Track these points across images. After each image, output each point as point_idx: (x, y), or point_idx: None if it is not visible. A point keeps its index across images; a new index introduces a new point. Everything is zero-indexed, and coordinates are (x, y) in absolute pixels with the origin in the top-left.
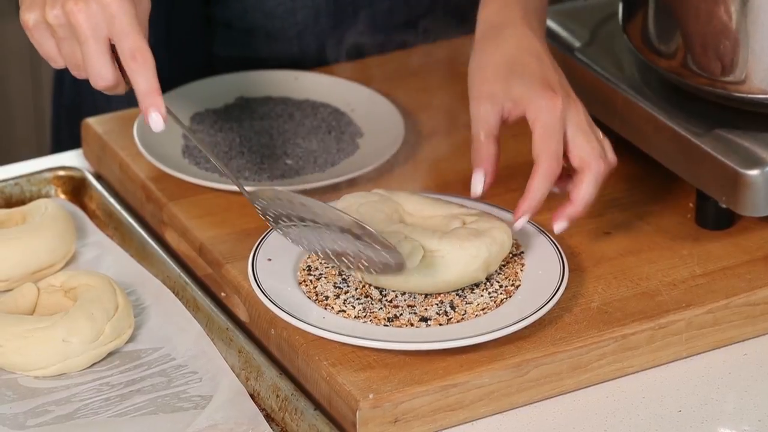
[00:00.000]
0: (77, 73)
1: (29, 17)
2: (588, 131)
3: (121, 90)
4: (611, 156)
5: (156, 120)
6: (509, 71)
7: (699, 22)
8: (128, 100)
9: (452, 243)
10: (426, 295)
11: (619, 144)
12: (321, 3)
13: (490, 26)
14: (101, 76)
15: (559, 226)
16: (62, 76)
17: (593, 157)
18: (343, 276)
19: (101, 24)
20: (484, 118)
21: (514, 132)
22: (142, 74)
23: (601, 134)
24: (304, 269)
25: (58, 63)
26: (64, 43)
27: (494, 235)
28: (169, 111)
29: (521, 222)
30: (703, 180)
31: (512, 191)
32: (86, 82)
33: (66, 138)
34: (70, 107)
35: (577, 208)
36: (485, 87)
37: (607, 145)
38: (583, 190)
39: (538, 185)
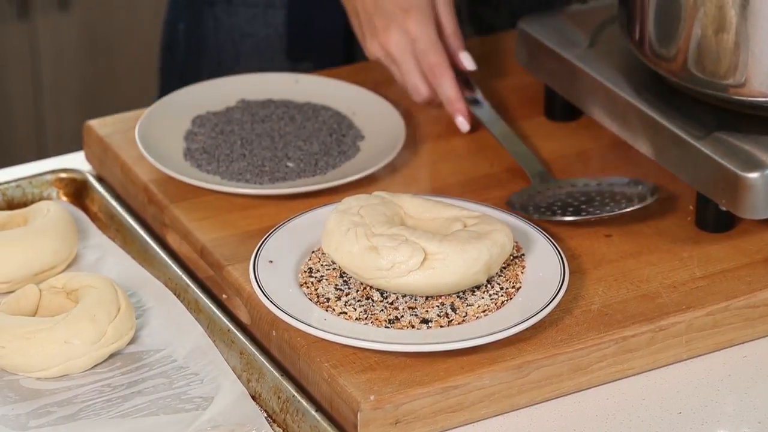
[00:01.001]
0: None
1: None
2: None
3: (437, 102)
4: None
5: (462, 122)
6: None
7: (699, 25)
8: (257, 45)
9: (453, 246)
10: (427, 297)
11: (619, 146)
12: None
13: None
14: (417, 92)
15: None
16: (171, 41)
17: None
18: (344, 278)
19: (407, 47)
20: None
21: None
22: (442, 85)
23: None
24: (305, 271)
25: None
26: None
27: (495, 237)
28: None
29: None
30: (703, 183)
31: (511, 193)
32: (208, 38)
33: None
34: (184, 71)
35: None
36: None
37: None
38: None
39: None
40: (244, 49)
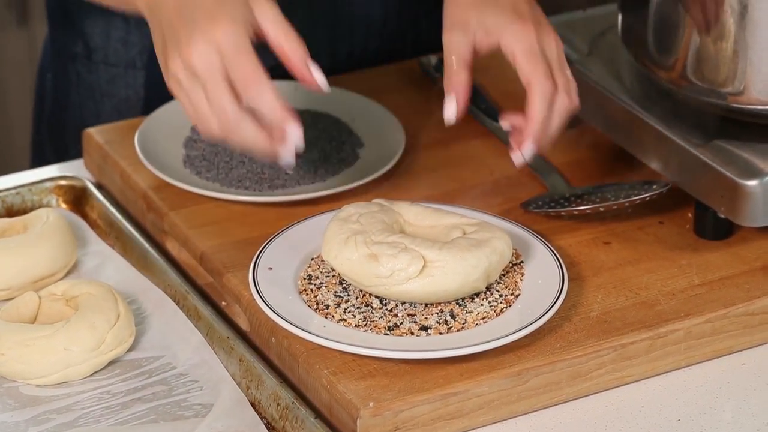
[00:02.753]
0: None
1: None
2: (559, 59)
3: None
4: (575, 96)
5: (288, 155)
6: (482, 1)
7: (698, 34)
8: (117, 105)
9: (452, 253)
10: (426, 305)
11: (618, 154)
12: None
13: None
14: (221, 117)
15: (527, 148)
16: (43, 90)
17: (565, 90)
18: (344, 285)
19: (212, 59)
20: (456, 47)
21: None
22: (259, 98)
23: (569, 73)
24: (304, 278)
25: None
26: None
27: (494, 245)
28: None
29: (528, 150)
30: (702, 190)
31: (511, 200)
32: (71, 93)
33: (50, 153)
34: (52, 122)
35: (532, 125)
36: (458, 15)
37: (573, 86)
38: (534, 107)
39: (540, 107)
40: (104, 109)
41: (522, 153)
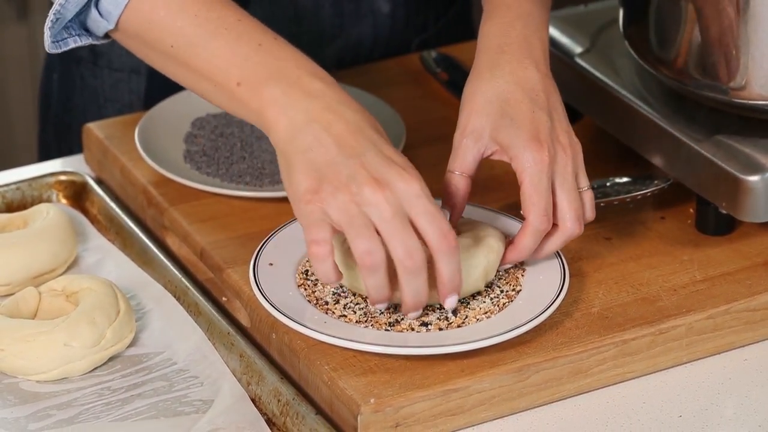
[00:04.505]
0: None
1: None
2: (572, 188)
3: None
4: (590, 214)
5: (450, 303)
6: (500, 110)
7: (699, 29)
8: (120, 110)
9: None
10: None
11: (620, 149)
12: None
13: (489, 49)
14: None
15: (505, 263)
16: (49, 89)
17: (570, 220)
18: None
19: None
20: (463, 155)
21: None
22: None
23: (586, 185)
24: (302, 273)
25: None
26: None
27: (491, 243)
28: None
29: (503, 267)
30: (703, 186)
31: (511, 196)
32: (75, 95)
33: (54, 153)
34: (57, 123)
35: (513, 253)
36: (472, 120)
37: (588, 199)
38: (548, 245)
39: (527, 242)
40: (107, 113)
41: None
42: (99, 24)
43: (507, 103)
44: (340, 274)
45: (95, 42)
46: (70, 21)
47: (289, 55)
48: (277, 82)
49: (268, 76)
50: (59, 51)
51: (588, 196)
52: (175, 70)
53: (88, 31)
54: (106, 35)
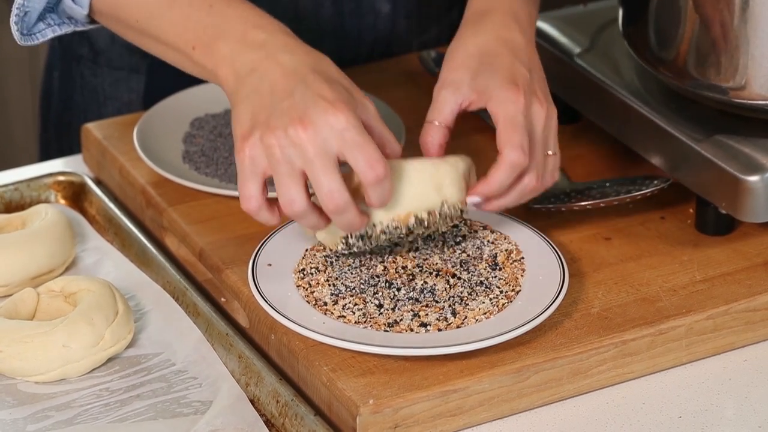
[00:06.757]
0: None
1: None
2: (539, 140)
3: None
4: (549, 179)
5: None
6: (479, 62)
7: (699, 29)
8: (120, 108)
9: (398, 160)
10: (427, 303)
11: (620, 149)
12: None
13: (475, 12)
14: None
15: (471, 199)
16: (50, 88)
17: (515, 149)
18: (330, 281)
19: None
20: (441, 105)
21: None
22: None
23: (554, 150)
24: (299, 271)
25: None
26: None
27: (450, 160)
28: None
29: (470, 201)
30: (703, 186)
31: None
32: (75, 93)
33: (55, 152)
34: (57, 122)
35: (486, 187)
36: (452, 73)
37: (552, 163)
38: (496, 173)
39: (500, 176)
40: (107, 112)
41: (468, 201)
42: (75, 10)
43: (487, 55)
44: (279, 218)
45: (82, 28)
46: (48, 12)
47: (237, 12)
48: (225, 40)
49: (217, 36)
50: (34, 43)
51: (552, 161)
52: (147, 43)
53: (71, 18)
54: (93, 21)
